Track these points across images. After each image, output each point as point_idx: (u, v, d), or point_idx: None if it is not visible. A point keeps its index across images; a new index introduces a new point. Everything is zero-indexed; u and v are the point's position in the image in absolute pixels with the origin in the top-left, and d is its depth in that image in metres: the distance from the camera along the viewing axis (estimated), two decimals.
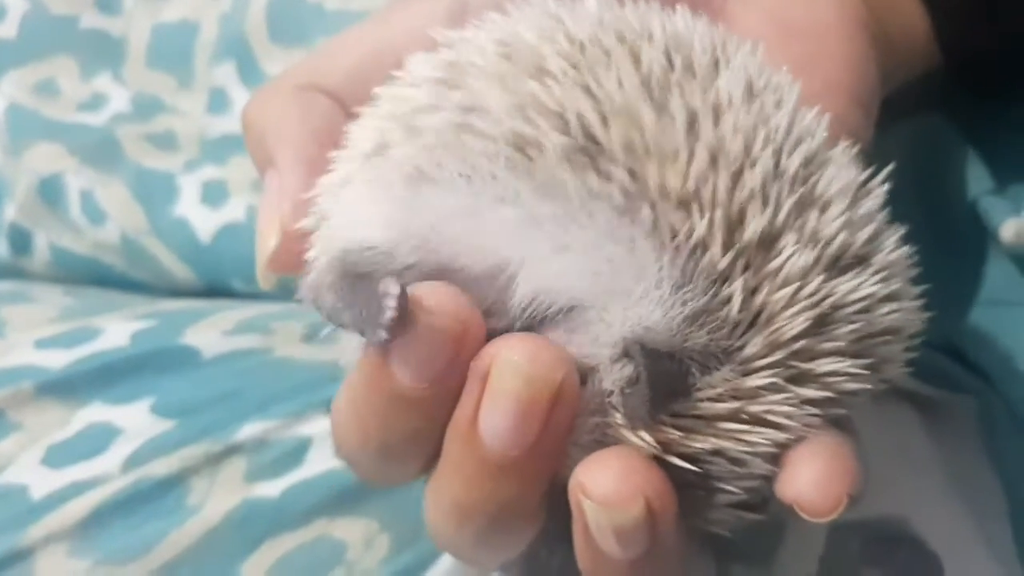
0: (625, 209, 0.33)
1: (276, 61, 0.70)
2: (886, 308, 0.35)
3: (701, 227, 0.33)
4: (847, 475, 0.33)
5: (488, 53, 0.36)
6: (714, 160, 0.33)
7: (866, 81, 0.44)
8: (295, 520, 0.48)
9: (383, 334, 0.32)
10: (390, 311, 0.32)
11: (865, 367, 0.34)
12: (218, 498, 0.48)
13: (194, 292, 0.66)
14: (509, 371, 0.33)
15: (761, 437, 0.34)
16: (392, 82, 0.38)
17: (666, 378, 0.34)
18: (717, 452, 0.34)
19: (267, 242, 0.39)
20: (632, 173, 0.33)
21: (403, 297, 0.32)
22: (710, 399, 0.34)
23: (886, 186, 0.37)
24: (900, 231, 0.36)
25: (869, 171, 0.37)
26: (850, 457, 0.34)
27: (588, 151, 0.34)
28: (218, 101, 0.71)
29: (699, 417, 0.34)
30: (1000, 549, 0.48)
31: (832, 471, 0.33)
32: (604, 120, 0.34)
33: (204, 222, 0.65)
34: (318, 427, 0.51)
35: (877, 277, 0.35)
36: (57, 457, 0.50)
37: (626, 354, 0.34)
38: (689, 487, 0.34)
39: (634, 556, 0.33)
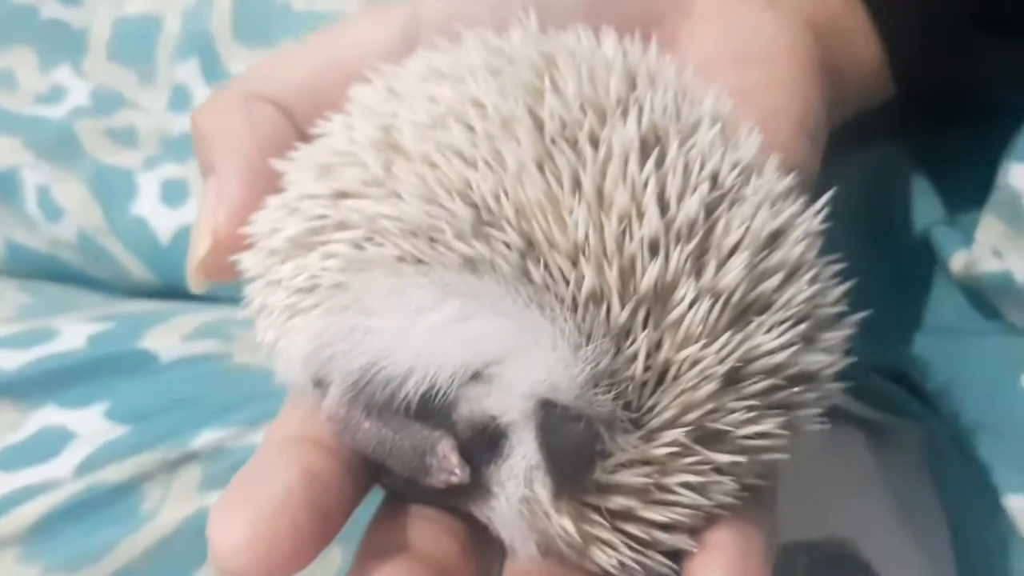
0: (520, 270, 0.34)
1: (240, 60, 0.70)
2: (797, 356, 0.34)
3: (591, 277, 0.33)
4: None
5: (410, 127, 0.37)
6: (598, 213, 0.33)
7: (813, 111, 0.45)
8: None
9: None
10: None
11: (780, 421, 0.34)
12: (173, 506, 0.48)
13: (153, 292, 0.65)
14: None
15: (675, 513, 0.34)
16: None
17: (572, 444, 0.34)
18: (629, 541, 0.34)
19: (199, 247, 0.40)
20: (523, 235, 0.34)
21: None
22: (622, 466, 0.34)
23: (816, 220, 0.36)
24: (822, 269, 0.36)
25: (797, 206, 0.36)
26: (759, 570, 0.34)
27: (486, 223, 0.34)
28: (180, 98, 0.70)
29: (614, 488, 0.34)
30: (942, 573, 0.49)
31: None
32: (499, 190, 0.34)
33: (163, 222, 0.64)
34: None
35: (787, 324, 0.34)
36: (9, 460, 0.49)
37: (533, 417, 0.34)
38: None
39: None
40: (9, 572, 0.46)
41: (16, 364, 0.52)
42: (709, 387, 0.33)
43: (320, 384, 0.37)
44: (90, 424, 0.50)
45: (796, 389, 0.34)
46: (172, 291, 0.65)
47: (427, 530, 0.37)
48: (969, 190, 0.53)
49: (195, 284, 0.40)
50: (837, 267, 0.37)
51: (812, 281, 0.35)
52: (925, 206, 0.55)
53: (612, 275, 0.33)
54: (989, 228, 0.49)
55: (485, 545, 0.39)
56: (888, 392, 0.54)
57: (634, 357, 0.33)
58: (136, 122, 0.69)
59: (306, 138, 0.40)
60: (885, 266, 0.56)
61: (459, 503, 0.37)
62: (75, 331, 0.54)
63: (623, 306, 0.33)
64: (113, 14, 0.72)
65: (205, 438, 0.50)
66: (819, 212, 0.37)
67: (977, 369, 0.51)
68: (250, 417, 0.51)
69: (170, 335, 0.54)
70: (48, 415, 0.51)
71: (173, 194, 0.65)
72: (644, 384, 0.33)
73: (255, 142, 0.40)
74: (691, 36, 0.45)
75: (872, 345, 0.54)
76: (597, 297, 0.33)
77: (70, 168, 0.66)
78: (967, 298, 0.53)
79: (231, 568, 0.32)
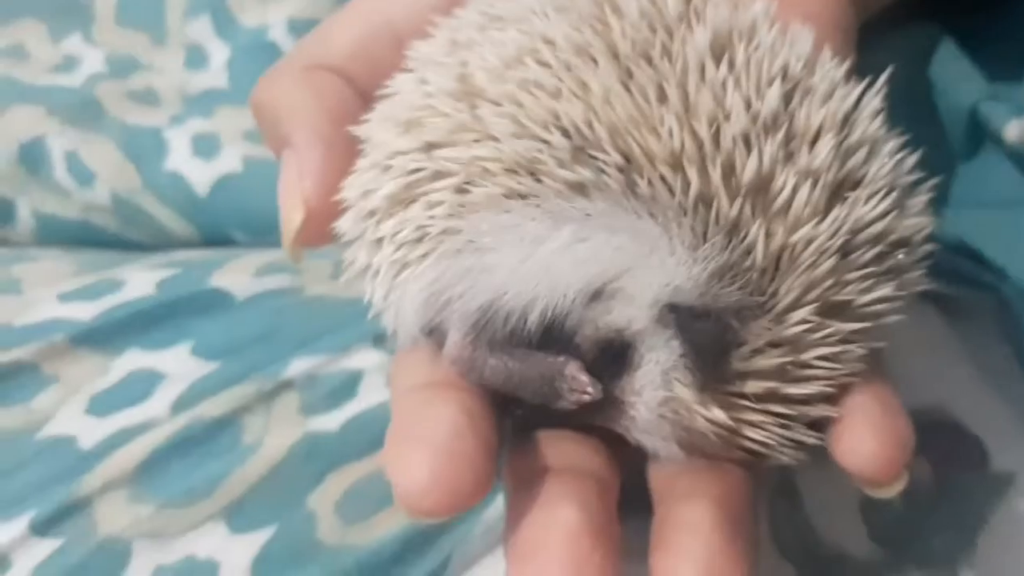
0: (625, 186, 0.35)
1: (251, 12, 0.69)
2: (895, 222, 0.36)
3: (696, 180, 0.34)
4: (904, 447, 0.34)
5: (484, 72, 0.37)
6: (688, 120, 0.35)
7: (843, 10, 0.46)
8: (358, 451, 0.48)
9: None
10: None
11: (892, 284, 0.36)
12: (276, 434, 0.48)
13: (193, 247, 0.64)
14: None
15: (814, 386, 0.35)
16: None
17: (708, 339, 0.35)
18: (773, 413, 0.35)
19: (292, 220, 0.40)
20: (621, 153, 0.35)
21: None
22: (757, 352, 0.35)
23: (879, 99, 0.38)
24: (894, 142, 0.38)
25: (859, 88, 0.38)
26: (903, 424, 0.35)
27: (583, 148, 0.35)
28: (195, 57, 0.69)
29: (753, 372, 0.35)
30: None
31: (890, 443, 0.34)
32: (589, 114, 0.35)
33: (199, 175, 0.63)
34: (367, 360, 0.51)
35: (880, 194, 0.36)
36: (101, 406, 0.49)
37: (665, 322, 0.36)
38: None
39: None
40: (121, 512, 0.46)
41: (90, 314, 0.51)
42: (828, 263, 0.35)
43: (433, 332, 0.38)
44: (178, 363, 0.50)
45: (900, 254, 0.36)
46: (213, 243, 0.64)
47: (569, 449, 0.38)
48: (1009, 67, 0.54)
49: (292, 255, 0.40)
50: (903, 139, 0.39)
51: (890, 154, 0.37)
52: (969, 84, 0.56)
53: (716, 175, 0.34)
54: None
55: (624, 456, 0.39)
56: (954, 264, 0.55)
57: (750, 248, 0.34)
58: (155, 83, 0.68)
59: (368, 103, 0.40)
60: (934, 145, 0.57)
61: (593, 420, 0.38)
62: (141, 278, 0.54)
63: (731, 202, 0.34)
64: None
65: (296, 367, 0.50)
66: (880, 91, 0.38)
67: None
68: (337, 344, 0.51)
69: (239, 273, 0.54)
70: (134, 359, 0.50)
71: (205, 147, 0.64)
72: (764, 271, 0.35)
73: (324, 111, 0.40)
74: None
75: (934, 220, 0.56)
76: (705, 198, 0.34)
77: (97, 131, 0.65)
78: (1020, 169, 0.54)
79: (422, 508, 0.33)
